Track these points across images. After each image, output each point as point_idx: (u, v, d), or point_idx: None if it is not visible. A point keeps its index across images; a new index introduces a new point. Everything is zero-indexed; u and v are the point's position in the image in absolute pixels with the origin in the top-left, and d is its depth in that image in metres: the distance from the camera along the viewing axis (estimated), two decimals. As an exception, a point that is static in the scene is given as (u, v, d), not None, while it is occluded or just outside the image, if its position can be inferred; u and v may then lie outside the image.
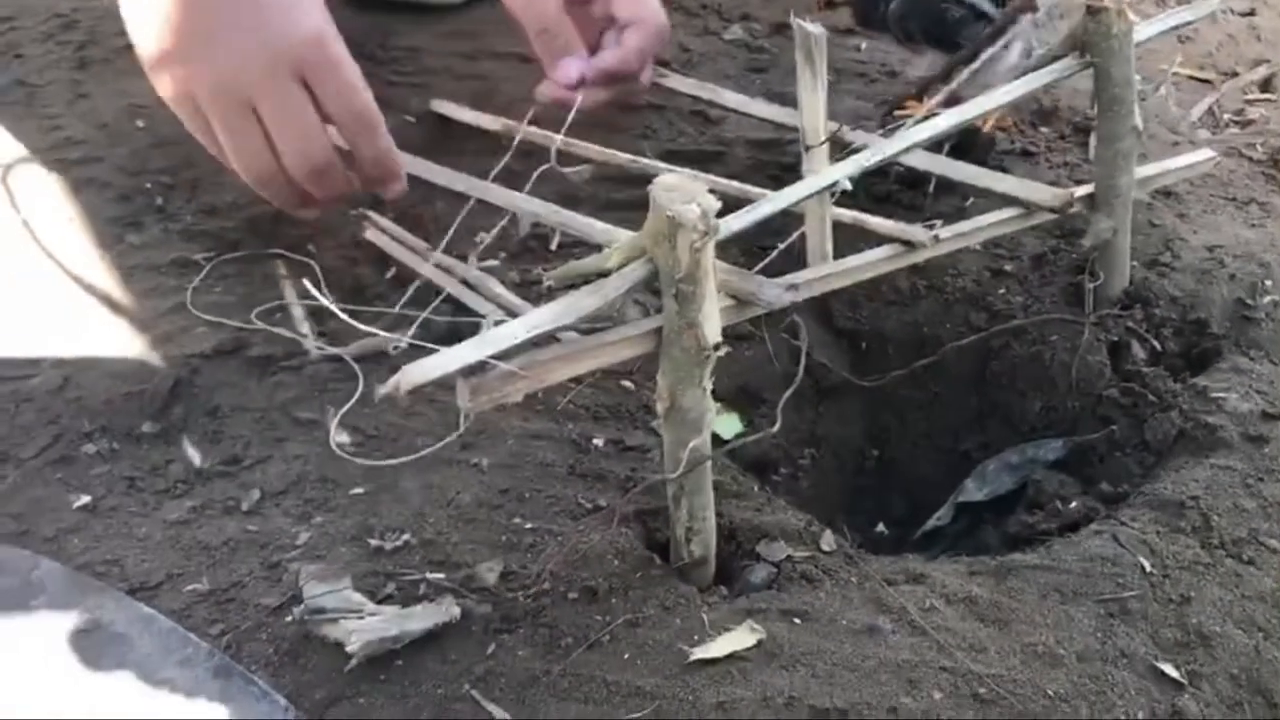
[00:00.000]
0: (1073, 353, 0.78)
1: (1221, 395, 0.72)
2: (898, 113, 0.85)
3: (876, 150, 0.63)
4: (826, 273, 0.65)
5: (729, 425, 0.79)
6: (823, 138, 0.68)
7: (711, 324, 0.56)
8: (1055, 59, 0.72)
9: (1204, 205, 0.89)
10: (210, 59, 0.73)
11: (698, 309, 0.55)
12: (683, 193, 0.53)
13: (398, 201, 0.87)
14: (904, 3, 1.00)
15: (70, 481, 0.68)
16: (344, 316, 0.60)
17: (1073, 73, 0.72)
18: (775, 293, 0.59)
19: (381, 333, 0.66)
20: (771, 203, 0.60)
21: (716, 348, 0.56)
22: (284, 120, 0.75)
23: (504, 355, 0.53)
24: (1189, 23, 0.79)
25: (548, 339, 0.56)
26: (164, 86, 0.77)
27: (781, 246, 0.72)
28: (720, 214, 0.53)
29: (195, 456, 0.71)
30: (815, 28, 0.65)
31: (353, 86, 0.77)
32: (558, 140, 0.95)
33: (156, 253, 0.89)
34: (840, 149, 0.81)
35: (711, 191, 0.53)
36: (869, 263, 0.67)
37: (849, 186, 0.62)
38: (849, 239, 0.76)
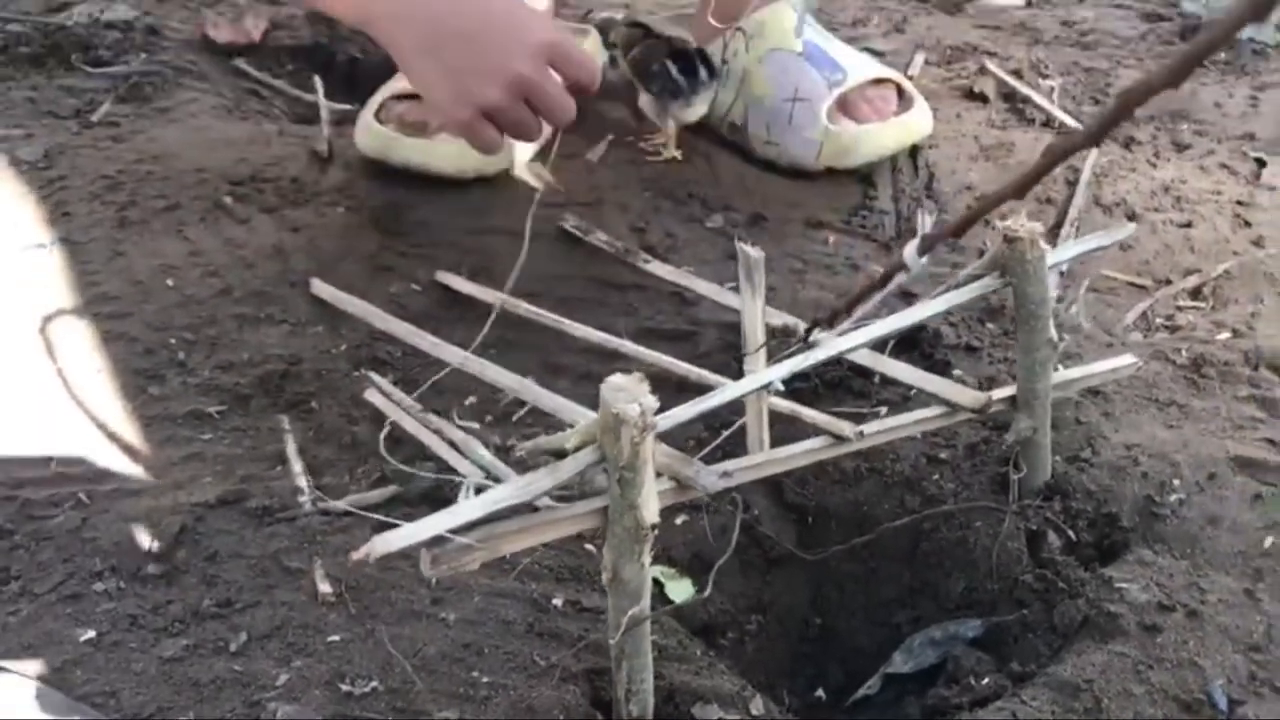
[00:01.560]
0: (995, 539, 0.86)
1: (1124, 586, 0.80)
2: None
3: (808, 355, 0.72)
4: (760, 461, 0.74)
5: (680, 590, 0.86)
6: (759, 343, 0.78)
7: (650, 506, 0.64)
8: (978, 277, 0.82)
9: (1128, 405, 0.98)
10: (497, 87, 1.02)
11: (637, 493, 0.63)
12: (628, 393, 0.62)
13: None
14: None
15: (79, 616, 0.76)
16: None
17: (993, 290, 0.81)
18: (711, 479, 0.68)
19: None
20: (712, 399, 0.69)
21: (654, 528, 0.64)
22: (553, 101, 1.04)
23: (465, 528, 0.61)
24: (1101, 248, 0.88)
25: (506, 513, 0.64)
26: (460, 120, 1.05)
27: (726, 434, 0.81)
28: (682, 389, 0.62)
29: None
30: (755, 251, 0.75)
31: (582, 61, 1.06)
32: (547, 317, 1.05)
33: (174, 404, 0.98)
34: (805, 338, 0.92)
35: (660, 386, 0.62)
36: (799, 454, 0.75)
37: (781, 388, 0.71)
38: (790, 425, 0.84)
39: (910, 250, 0.74)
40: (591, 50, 1.52)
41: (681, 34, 1.38)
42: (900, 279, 0.77)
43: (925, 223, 0.74)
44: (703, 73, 1.29)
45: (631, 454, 0.61)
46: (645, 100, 1.33)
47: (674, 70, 1.28)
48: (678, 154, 1.34)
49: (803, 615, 0.91)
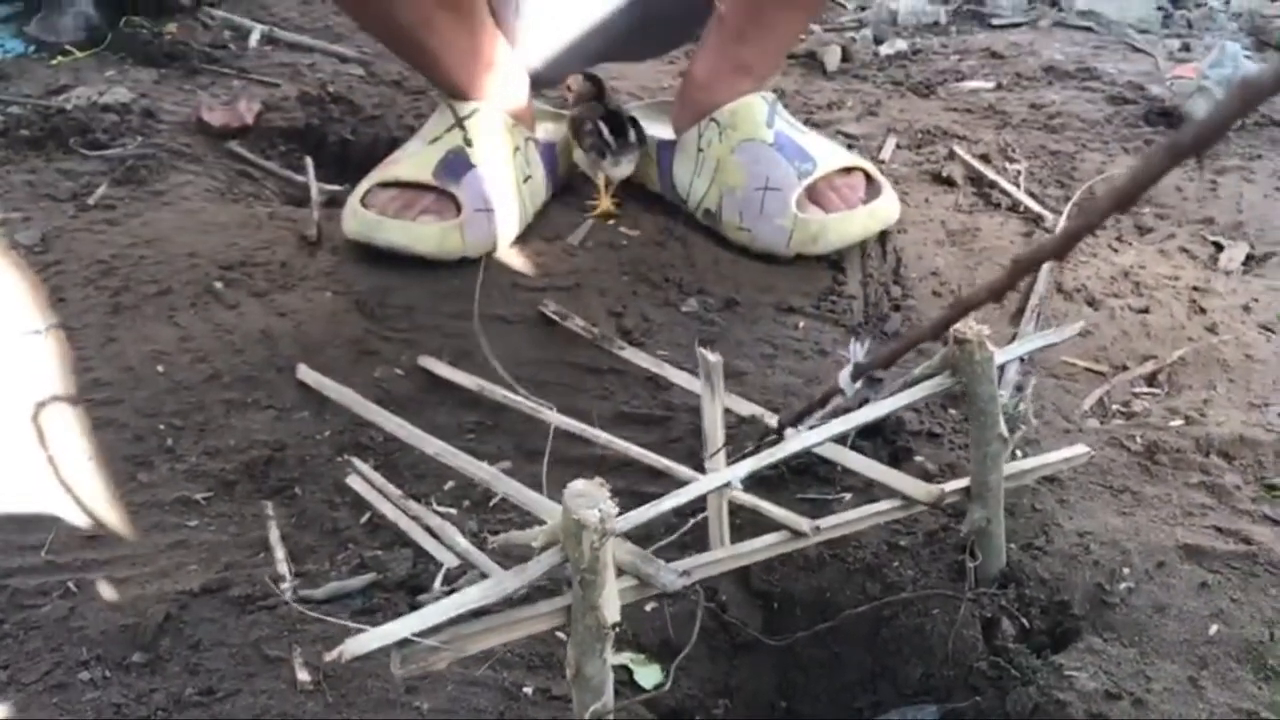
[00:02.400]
0: (951, 626, 0.89)
1: (1074, 674, 0.83)
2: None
3: (765, 455, 0.76)
4: (720, 557, 0.77)
5: (649, 676, 0.89)
6: (719, 445, 0.81)
7: (611, 606, 0.67)
8: (929, 377, 0.86)
9: (1082, 492, 1.01)
10: None
11: (598, 594, 0.66)
12: (588, 498, 0.66)
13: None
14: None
15: (64, 707, 0.79)
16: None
17: (944, 389, 0.85)
18: (670, 578, 0.71)
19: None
20: (670, 500, 0.73)
21: (615, 626, 0.68)
22: None
23: (434, 629, 0.65)
24: (1049, 345, 0.93)
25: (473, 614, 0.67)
26: None
27: (687, 527, 0.85)
28: (654, 474, 0.65)
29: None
30: (714, 356, 0.79)
31: None
32: (524, 403, 1.09)
33: (162, 491, 1.02)
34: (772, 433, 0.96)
35: (632, 470, 0.65)
36: (757, 549, 0.78)
37: (740, 488, 0.74)
38: (755, 513, 0.88)
39: (844, 376, 0.78)
40: (549, 134, 1.55)
41: (632, 108, 1.46)
42: (837, 400, 0.81)
43: (858, 351, 0.78)
44: (631, 135, 1.42)
45: (592, 558, 0.65)
46: (579, 155, 1.45)
47: (605, 131, 1.40)
48: (611, 206, 1.45)
49: (769, 699, 0.94)
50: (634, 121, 1.44)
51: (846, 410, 0.84)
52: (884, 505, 0.85)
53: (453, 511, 1.01)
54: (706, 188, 1.40)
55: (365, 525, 1.00)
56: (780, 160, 1.34)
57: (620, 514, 0.67)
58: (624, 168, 1.43)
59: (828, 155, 1.37)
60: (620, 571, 0.71)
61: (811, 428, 0.87)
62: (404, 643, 0.63)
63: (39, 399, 1.10)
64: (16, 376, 1.13)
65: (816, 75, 2.03)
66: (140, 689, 0.81)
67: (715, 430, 0.82)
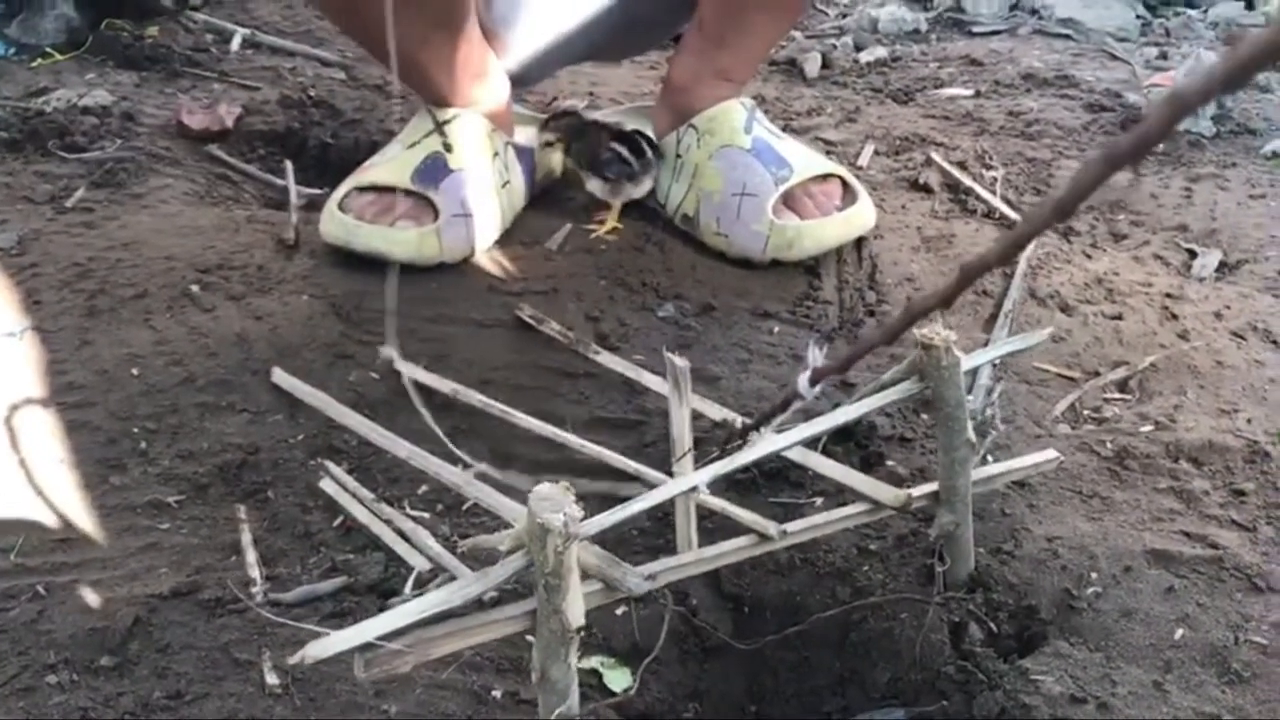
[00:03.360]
0: (919, 630, 0.89)
1: (1040, 678, 0.83)
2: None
3: (731, 459, 0.77)
4: (688, 561, 0.78)
5: (619, 679, 0.90)
6: (686, 449, 0.82)
7: (575, 610, 0.68)
8: (898, 382, 0.86)
9: (1052, 497, 1.02)
10: None
11: (562, 598, 0.67)
12: (554, 502, 0.66)
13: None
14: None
15: (31, 710, 0.79)
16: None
17: (911, 395, 0.86)
18: (636, 581, 0.72)
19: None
20: (636, 505, 0.73)
21: (580, 630, 0.68)
22: None
23: (398, 632, 0.65)
24: (1018, 351, 0.93)
25: (439, 615, 0.68)
26: None
27: (650, 526, 0.85)
28: (626, 476, 0.65)
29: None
30: (681, 361, 0.79)
31: None
32: (497, 407, 1.09)
33: (134, 494, 1.01)
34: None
35: (604, 474, 0.65)
36: (724, 553, 0.79)
37: (706, 492, 0.75)
38: (725, 517, 0.88)
39: (803, 381, 0.79)
40: (528, 139, 1.56)
41: (619, 119, 1.46)
42: (796, 405, 0.81)
43: (816, 356, 0.78)
44: (648, 151, 1.42)
45: (556, 561, 0.65)
46: (595, 184, 1.44)
47: (625, 153, 1.40)
48: (619, 224, 1.44)
49: (738, 703, 0.95)
50: (643, 135, 1.44)
51: (818, 414, 0.85)
52: (852, 510, 0.86)
53: (425, 515, 1.01)
54: (684, 193, 1.40)
55: (338, 529, 1.00)
56: (757, 166, 1.35)
57: (587, 518, 0.67)
58: (645, 185, 1.44)
59: (805, 162, 1.38)
60: (586, 575, 0.71)
61: (780, 431, 0.88)
62: (367, 646, 0.64)
63: (12, 401, 1.09)
64: (-10, 379, 1.12)
65: (797, 82, 2.04)
66: (108, 692, 0.81)
67: (683, 434, 0.82)
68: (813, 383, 0.77)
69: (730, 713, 0.94)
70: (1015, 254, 0.56)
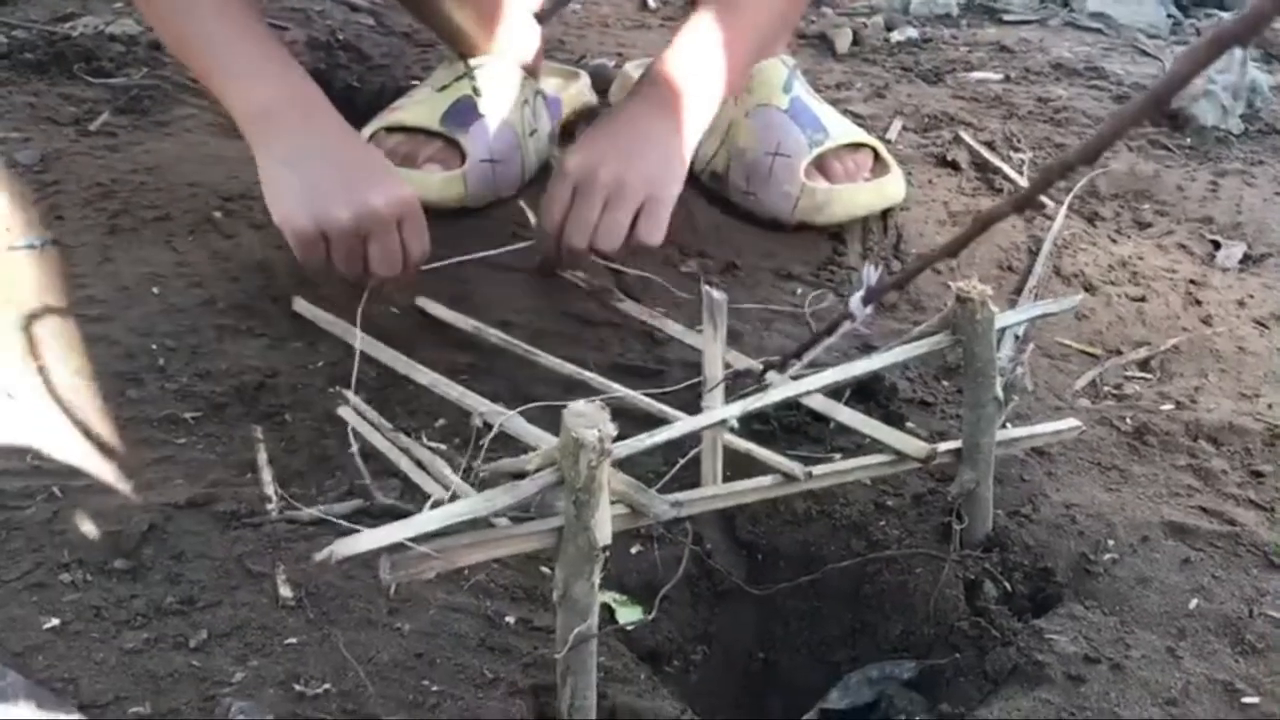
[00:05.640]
0: (934, 585, 0.89)
1: (1054, 637, 0.83)
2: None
3: (763, 395, 0.76)
4: (712, 494, 0.77)
5: (631, 615, 0.89)
6: (718, 380, 0.81)
7: (603, 529, 0.67)
8: (930, 334, 0.86)
9: (1071, 466, 1.02)
10: (348, 209, 1.05)
11: (591, 515, 0.66)
12: (588, 419, 0.66)
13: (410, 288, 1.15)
14: None
15: (44, 605, 0.78)
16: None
17: (943, 347, 0.85)
18: (663, 507, 0.71)
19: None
20: (668, 431, 0.73)
21: (605, 549, 0.68)
22: (387, 253, 1.09)
23: (424, 538, 0.64)
24: (1050, 314, 0.93)
25: (465, 527, 0.67)
26: (299, 226, 1.06)
27: (682, 461, 0.85)
28: (645, 423, 0.65)
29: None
30: (718, 293, 0.79)
31: (425, 237, 1.12)
32: (520, 346, 1.09)
33: (151, 408, 1.01)
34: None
35: (625, 419, 0.65)
36: (749, 489, 0.78)
37: (735, 425, 0.74)
38: (746, 466, 0.88)
39: (855, 300, 0.78)
40: (580, 93, 1.57)
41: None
42: (846, 326, 0.81)
43: (871, 275, 0.78)
44: None
45: (588, 477, 0.65)
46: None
47: None
48: None
49: (747, 648, 0.94)
50: None
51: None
52: (876, 459, 0.85)
53: (442, 447, 1.00)
54: (715, 149, 1.39)
55: (354, 455, 0.99)
56: (793, 128, 1.34)
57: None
58: None
59: (840, 128, 1.37)
60: (613, 500, 0.71)
61: (800, 378, 0.87)
62: (394, 549, 0.63)
63: (31, 310, 1.09)
64: (9, 288, 1.12)
65: (827, 57, 2.03)
66: (120, 594, 0.80)
67: (715, 367, 0.82)
68: (865, 302, 0.76)
69: (738, 658, 0.94)
70: (1033, 200, 0.57)
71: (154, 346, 1.08)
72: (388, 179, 1.10)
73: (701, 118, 1.19)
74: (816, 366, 0.98)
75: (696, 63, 1.18)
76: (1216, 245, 1.43)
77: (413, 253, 1.10)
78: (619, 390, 0.99)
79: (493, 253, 1.22)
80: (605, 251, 1.14)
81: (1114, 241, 1.42)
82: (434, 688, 0.75)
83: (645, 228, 1.14)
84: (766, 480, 0.80)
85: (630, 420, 1.01)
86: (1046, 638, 0.83)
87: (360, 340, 1.08)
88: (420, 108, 1.37)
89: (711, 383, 0.82)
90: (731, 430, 0.77)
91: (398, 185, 1.10)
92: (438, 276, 1.21)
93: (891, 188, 1.37)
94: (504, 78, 1.39)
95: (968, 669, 0.84)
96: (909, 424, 1.06)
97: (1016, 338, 1.18)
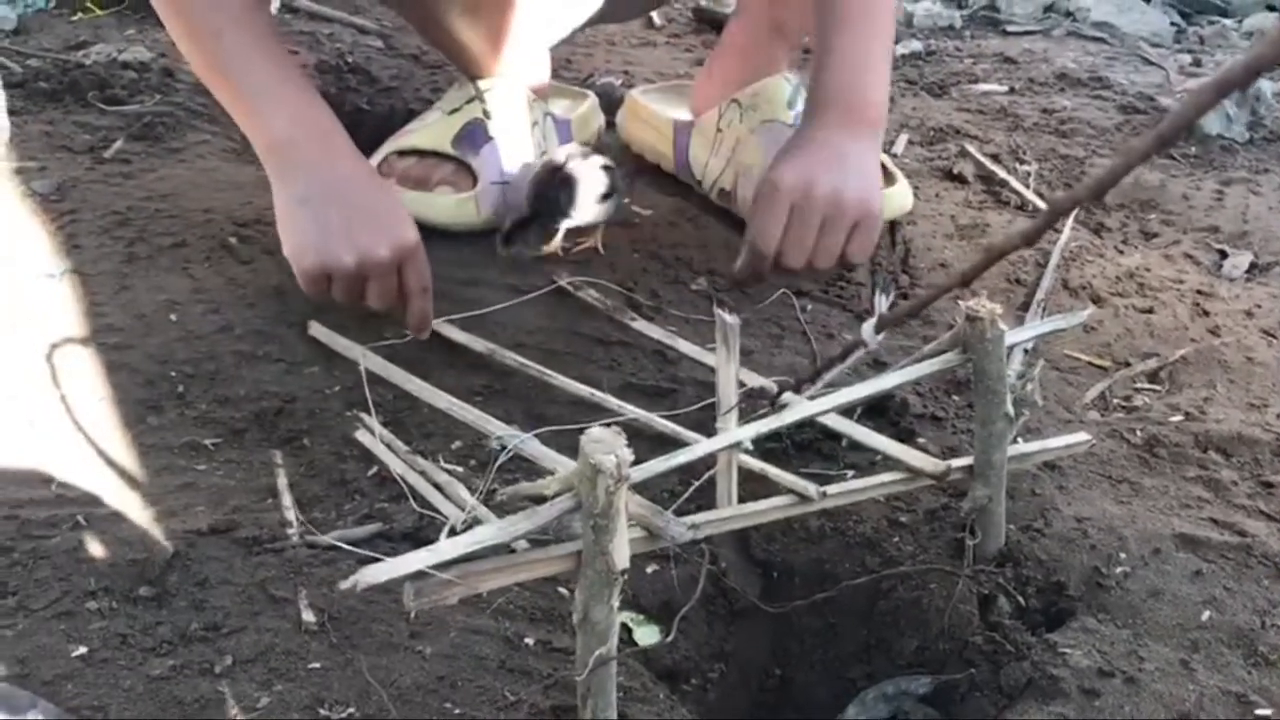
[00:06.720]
0: (948, 601, 0.90)
1: (1068, 651, 0.84)
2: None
3: (778, 417, 0.77)
4: (727, 515, 0.78)
5: (648, 636, 0.90)
6: (732, 404, 0.83)
7: (621, 552, 0.68)
8: (941, 353, 0.87)
9: (1082, 480, 1.03)
10: (352, 254, 1.09)
11: (610, 539, 0.67)
12: (606, 444, 0.67)
13: (421, 332, 1.16)
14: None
15: (72, 633, 0.79)
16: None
17: (954, 365, 0.86)
18: (680, 530, 0.72)
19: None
20: (684, 454, 0.74)
21: (624, 573, 0.69)
22: (384, 292, 1.12)
23: (446, 564, 0.66)
24: (1059, 330, 0.94)
25: (486, 552, 0.68)
26: (306, 265, 1.11)
27: (696, 484, 0.86)
28: (660, 443, 0.66)
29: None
30: (731, 317, 0.80)
31: (425, 276, 1.14)
32: (534, 368, 1.10)
33: (172, 435, 1.02)
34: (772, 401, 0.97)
35: (639, 439, 0.66)
36: (764, 510, 0.80)
37: (750, 447, 0.76)
38: (759, 485, 0.89)
39: (868, 328, 0.79)
40: (589, 113, 1.58)
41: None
42: (859, 354, 0.82)
43: (882, 303, 0.79)
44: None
45: (606, 502, 0.66)
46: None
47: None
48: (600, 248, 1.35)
49: (764, 666, 0.95)
50: (607, 168, 1.31)
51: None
52: (889, 476, 0.86)
53: (459, 470, 1.02)
54: (723, 167, 1.41)
55: (372, 478, 1.01)
56: (797, 144, 1.35)
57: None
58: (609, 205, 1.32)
59: (845, 143, 1.38)
60: (630, 523, 0.72)
61: (813, 398, 0.88)
62: (416, 576, 0.64)
63: (52, 340, 1.10)
64: (30, 318, 1.13)
65: (831, 71, 2.04)
66: (146, 621, 0.82)
67: (729, 390, 0.83)
68: (878, 330, 0.77)
69: (755, 675, 0.95)
70: (1043, 233, 0.58)
71: (173, 373, 1.09)
72: (393, 223, 1.12)
73: (881, 132, 1.23)
74: (829, 385, 0.99)
75: (862, 78, 1.21)
76: (1223, 254, 1.44)
77: (411, 292, 1.13)
78: (633, 411, 1.00)
79: (516, 301, 1.22)
80: (821, 270, 1.17)
81: (1120, 252, 1.43)
82: (456, 710, 0.77)
83: (858, 246, 1.17)
84: (781, 500, 0.81)
85: (644, 440, 1.02)
86: (1060, 651, 0.84)
87: (375, 364, 1.09)
88: (431, 131, 1.39)
89: (726, 405, 0.83)
90: (746, 451, 0.78)
91: (402, 229, 1.12)
92: (453, 302, 1.22)
93: (898, 198, 1.38)
94: (514, 100, 1.40)
95: (983, 684, 0.85)
96: (920, 439, 1.06)
97: (1026, 352, 1.19)
